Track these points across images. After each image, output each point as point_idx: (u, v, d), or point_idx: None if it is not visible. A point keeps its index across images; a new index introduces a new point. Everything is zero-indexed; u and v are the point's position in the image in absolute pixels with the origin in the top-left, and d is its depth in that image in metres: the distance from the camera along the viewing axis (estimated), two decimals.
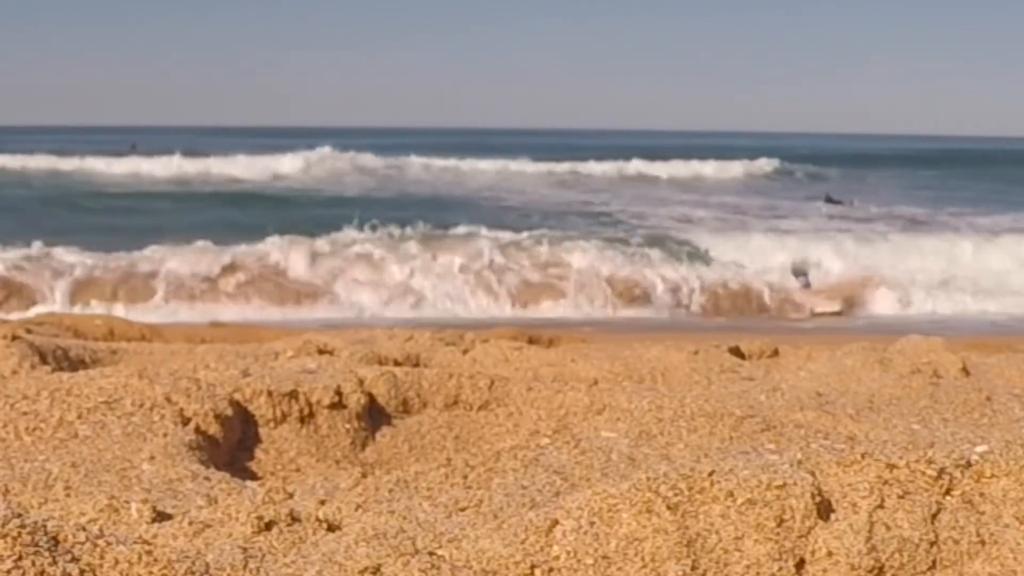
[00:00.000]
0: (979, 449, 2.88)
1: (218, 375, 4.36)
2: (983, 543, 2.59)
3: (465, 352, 5.87)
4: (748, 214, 31.58)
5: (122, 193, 34.60)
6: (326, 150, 48.05)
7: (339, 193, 36.25)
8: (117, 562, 2.18)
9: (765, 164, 51.03)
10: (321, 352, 5.52)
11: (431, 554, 2.51)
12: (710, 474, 2.61)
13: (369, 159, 48.73)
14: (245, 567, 2.39)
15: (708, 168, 48.73)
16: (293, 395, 4.21)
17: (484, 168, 47.88)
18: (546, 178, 44.82)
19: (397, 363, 5.36)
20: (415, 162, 48.51)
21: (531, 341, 7.80)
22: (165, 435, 3.77)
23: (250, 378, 4.31)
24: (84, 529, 2.25)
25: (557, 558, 2.46)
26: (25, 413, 3.83)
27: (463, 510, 2.99)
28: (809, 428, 4.00)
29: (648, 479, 2.59)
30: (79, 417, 3.83)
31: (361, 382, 4.39)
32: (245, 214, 28.51)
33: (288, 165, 45.06)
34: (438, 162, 48.69)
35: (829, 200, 36.24)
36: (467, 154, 50.58)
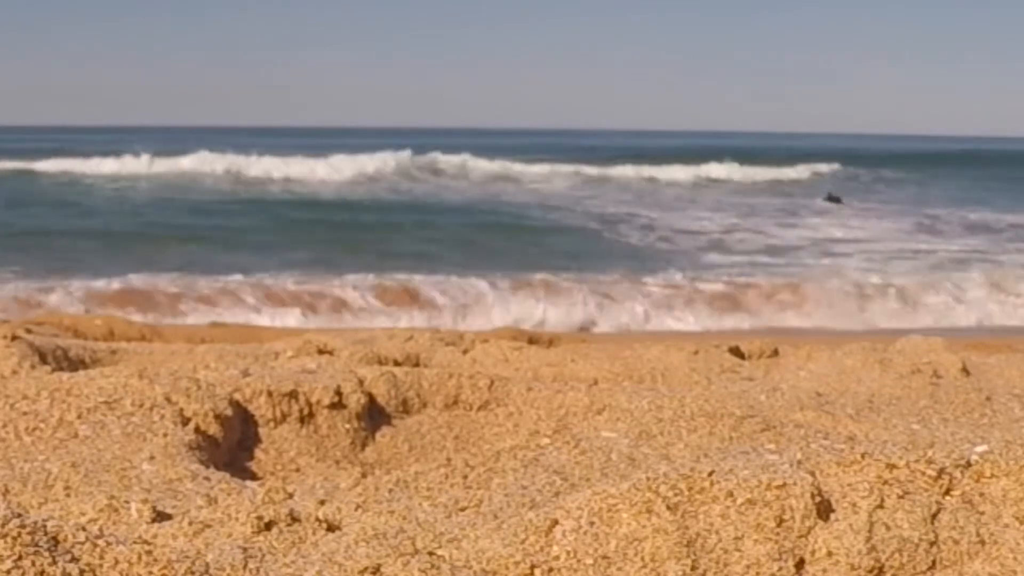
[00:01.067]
0: (979, 449, 2.88)
1: (218, 375, 4.36)
2: (983, 543, 2.59)
3: (465, 352, 5.87)
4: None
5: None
6: (405, 153, 48.29)
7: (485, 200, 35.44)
8: (117, 562, 2.19)
9: (825, 167, 50.82)
10: (321, 352, 5.52)
11: (431, 554, 2.52)
12: (710, 474, 2.61)
13: (443, 160, 48.89)
14: (245, 567, 2.39)
15: (776, 173, 48.37)
16: (293, 395, 4.21)
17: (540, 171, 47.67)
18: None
19: (397, 363, 5.36)
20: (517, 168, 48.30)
21: (531, 341, 7.80)
22: (165, 435, 3.77)
23: (250, 378, 4.31)
24: (84, 529, 2.25)
25: (557, 558, 2.46)
26: (25, 413, 3.83)
27: (463, 510, 2.99)
28: (809, 428, 4.00)
29: (648, 479, 2.59)
30: (79, 417, 3.83)
31: (361, 382, 4.39)
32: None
33: (368, 167, 45.27)
34: (517, 167, 48.51)
35: (831, 198, 36.45)
36: (496, 156, 50.42)
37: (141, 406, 3.94)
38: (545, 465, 3.45)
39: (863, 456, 2.77)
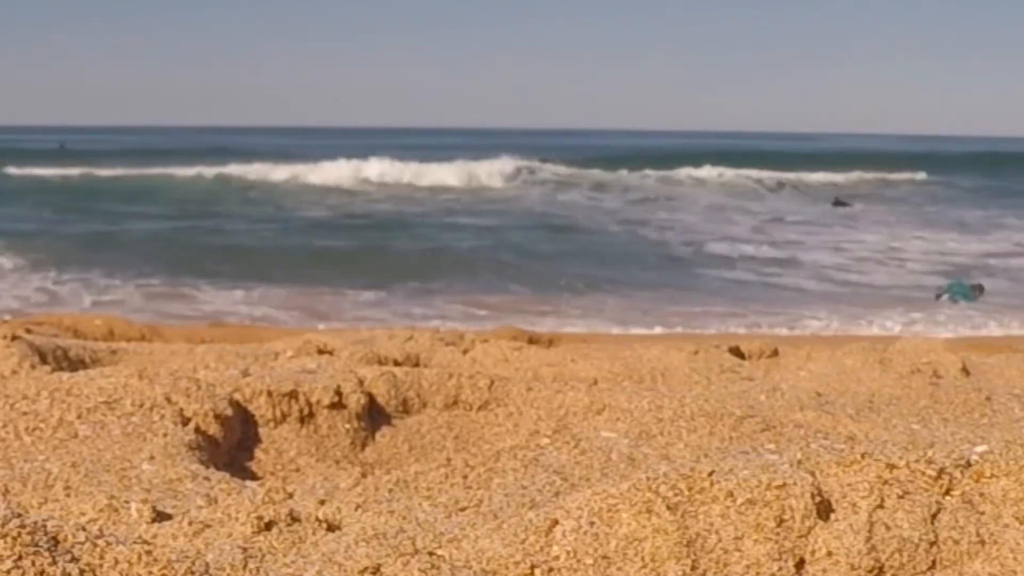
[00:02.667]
0: (979, 449, 2.88)
1: (218, 375, 4.36)
2: (983, 543, 2.59)
3: (465, 352, 5.87)
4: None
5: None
6: (506, 159, 47.31)
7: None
8: (117, 562, 2.18)
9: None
10: (321, 352, 5.52)
11: (431, 554, 2.51)
12: (710, 474, 2.61)
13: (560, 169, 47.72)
14: (245, 567, 2.39)
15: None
16: (293, 395, 4.21)
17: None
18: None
19: (397, 363, 5.36)
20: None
21: (531, 341, 7.80)
22: (165, 435, 3.77)
23: (250, 378, 4.31)
24: (84, 529, 2.25)
25: (557, 558, 2.46)
26: (25, 413, 3.83)
27: (463, 510, 2.99)
28: (809, 428, 4.00)
29: (648, 479, 2.59)
30: (79, 417, 3.83)
31: (361, 382, 4.39)
32: None
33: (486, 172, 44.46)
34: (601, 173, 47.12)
35: (838, 203, 36.53)
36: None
37: (141, 406, 3.94)
38: (545, 465, 3.45)
39: (863, 456, 2.77)
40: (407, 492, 3.21)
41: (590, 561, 2.46)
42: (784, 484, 2.57)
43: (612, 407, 4.15)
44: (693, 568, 2.45)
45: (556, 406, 4.37)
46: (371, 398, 4.38)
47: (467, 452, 3.87)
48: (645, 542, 2.48)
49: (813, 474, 2.70)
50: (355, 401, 4.28)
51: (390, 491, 3.24)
